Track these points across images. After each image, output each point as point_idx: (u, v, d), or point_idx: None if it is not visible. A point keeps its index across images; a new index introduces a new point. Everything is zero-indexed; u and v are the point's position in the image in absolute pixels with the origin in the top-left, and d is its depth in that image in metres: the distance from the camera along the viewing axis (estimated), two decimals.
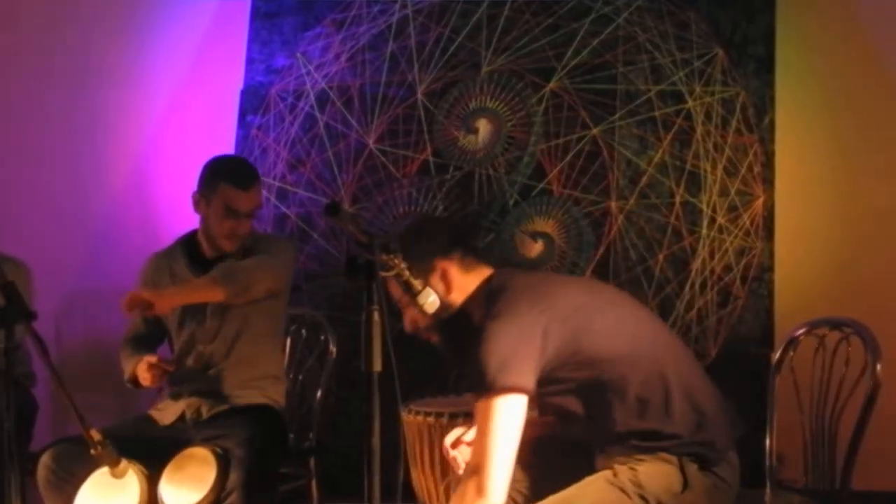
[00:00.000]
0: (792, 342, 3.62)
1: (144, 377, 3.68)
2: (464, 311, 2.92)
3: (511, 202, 4.99)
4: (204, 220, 3.84)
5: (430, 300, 2.66)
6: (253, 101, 5.47)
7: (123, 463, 3.14)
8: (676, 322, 4.66)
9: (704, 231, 4.71)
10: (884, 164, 4.78)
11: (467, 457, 2.91)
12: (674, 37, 4.89)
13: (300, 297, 4.99)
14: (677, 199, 4.77)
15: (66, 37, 5.51)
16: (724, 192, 4.72)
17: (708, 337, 4.64)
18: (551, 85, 4.99)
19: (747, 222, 4.67)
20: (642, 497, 2.76)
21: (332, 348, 4.23)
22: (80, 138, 5.51)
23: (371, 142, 5.22)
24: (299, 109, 5.37)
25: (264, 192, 5.21)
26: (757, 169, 4.71)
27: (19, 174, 5.36)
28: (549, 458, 3.02)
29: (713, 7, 4.88)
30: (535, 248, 4.92)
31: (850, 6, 4.90)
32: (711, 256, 4.69)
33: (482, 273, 2.95)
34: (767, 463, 3.56)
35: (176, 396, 3.83)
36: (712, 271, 4.67)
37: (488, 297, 2.86)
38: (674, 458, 2.79)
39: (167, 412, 3.79)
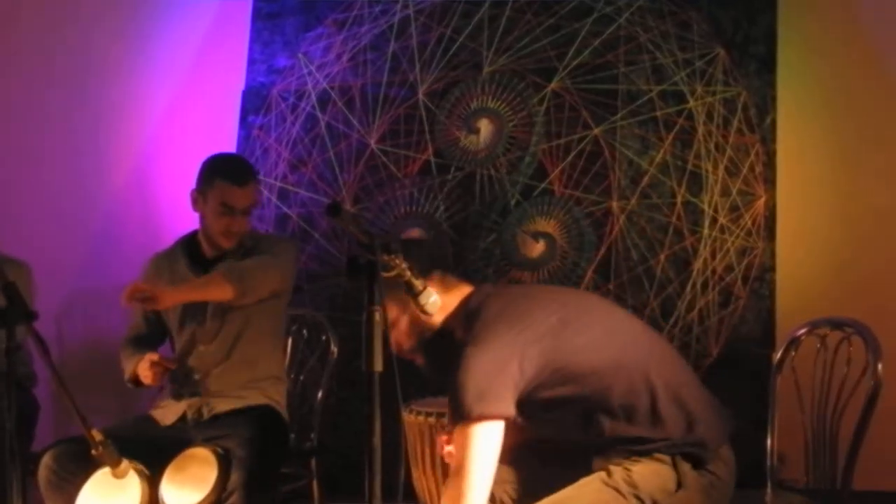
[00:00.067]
0: (793, 342, 3.62)
1: (146, 375, 3.68)
2: (446, 330, 2.97)
3: (512, 202, 4.99)
4: (202, 219, 3.84)
5: (432, 300, 2.67)
6: (254, 102, 5.48)
7: (124, 463, 3.14)
8: (678, 322, 4.66)
9: (706, 231, 4.71)
10: (884, 163, 4.79)
11: None
12: (675, 37, 4.89)
13: (301, 298, 4.99)
14: (679, 199, 4.77)
15: (67, 37, 5.51)
16: (725, 192, 4.72)
17: (709, 337, 4.64)
18: (553, 85, 4.99)
19: (749, 222, 4.67)
20: (637, 497, 2.78)
21: (334, 348, 4.23)
22: (82, 138, 5.51)
23: (372, 142, 5.22)
24: (301, 110, 5.38)
25: (265, 193, 5.24)
26: (758, 169, 4.71)
27: (20, 174, 5.35)
28: (543, 458, 3.04)
29: (714, 7, 4.88)
30: (537, 249, 4.92)
31: (850, 7, 4.90)
32: (713, 256, 4.69)
33: (462, 291, 3.00)
34: (768, 463, 3.56)
35: (177, 397, 3.83)
36: (714, 271, 4.68)
37: (467, 317, 2.91)
38: (667, 458, 2.81)
39: (168, 412, 3.78)
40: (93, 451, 3.06)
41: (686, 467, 2.82)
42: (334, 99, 5.33)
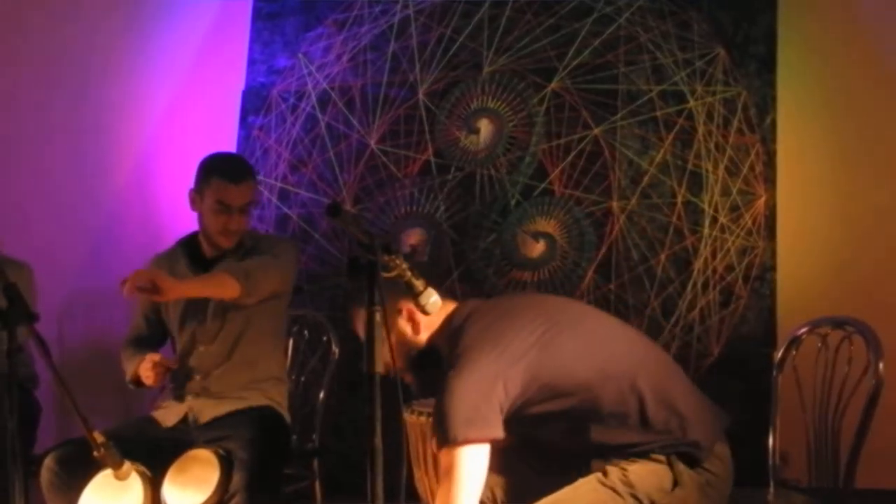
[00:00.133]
0: (794, 341, 3.62)
1: (147, 376, 3.67)
2: (432, 348, 3.02)
3: (513, 202, 4.99)
4: (200, 218, 3.84)
5: (432, 300, 2.67)
6: (254, 102, 5.48)
7: (126, 465, 3.13)
8: (679, 321, 4.66)
9: (706, 231, 4.71)
10: (885, 162, 4.79)
11: None
12: (675, 37, 4.89)
13: (302, 298, 4.99)
14: (679, 199, 4.77)
15: (67, 38, 5.51)
16: (725, 192, 4.72)
17: (710, 336, 4.64)
18: (553, 85, 5.00)
19: (749, 222, 4.67)
20: (634, 497, 2.80)
21: (335, 349, 4.23)
22: (82, 139, 5.51)
23: (373, 142, 5.22)
24: (301, 110, 5.38)
25: (266, 193, 5.24)
26: (758, 168, 4.71)
27: (21, 175, 5.35)
28: (535, 462, 3.05)
29: (714, 7, 4.88)
30: (537, 249, 4.92)
31: (850, 7, 4.90)
32: (713, 256, 4.69)
33: (445, 309, 3.02)
34: (770, 462, 3.57)
35: (178, 398, 3.82)
36: (714, 271, 4.68)
37: (451, 336, 2.96)
38: (663, 458, 2.84)
39: (169, 414, 3.78)
40: (95, 453, 3.05)
41: (682, 466, 2.85)
42: (334, 99, 5.33)
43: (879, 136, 4.81)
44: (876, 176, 4.79)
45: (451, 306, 3.05)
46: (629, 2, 4.98)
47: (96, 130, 5.54)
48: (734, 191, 4.72)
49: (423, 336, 3.04)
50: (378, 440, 2.33)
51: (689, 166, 4.78)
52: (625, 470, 2.84)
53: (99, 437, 3.05)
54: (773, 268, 4.64)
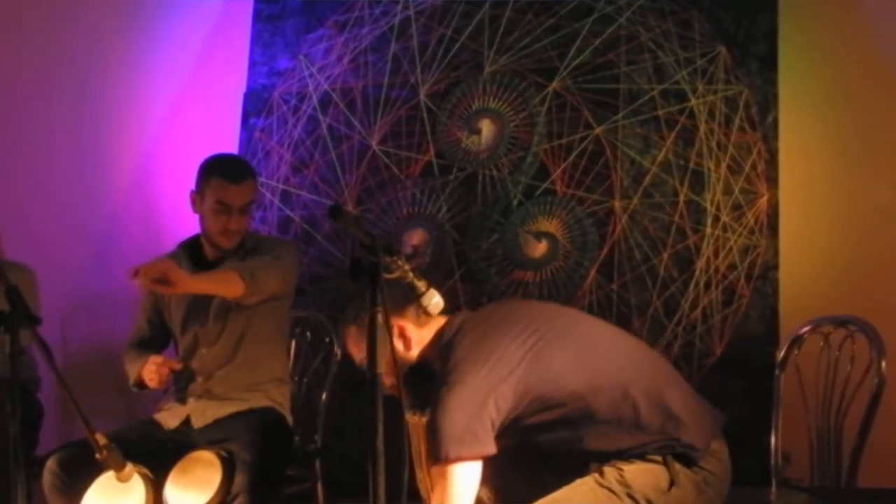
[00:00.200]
0: (797, 340, 3.62)
1: (151, 378, 3.67)
2: (424, 363, 3.06)
3: (515, 202, 4.99)
4: (201, 220, 3.84)
5: (434, 301, 2.68)
6: (256, 104, 5.48)
7: (129, 467, 3.13)
8: (681, 321, 4.66)
9: (709, 230, 4.71)
10: (887, 161, 4.78)
11: None
12: (676, 36, 4.89)
13: (305, 300, 4.99)
14: (681, 198, 4.77)
15: (68, 39, 5.51)
16: (727, 191, 4.72)
17: (713, 335, 4.63)
18: (554, 85, 4.99)
19: (751, 220, 4.67)
20: (631, 496, 2.82)
21: (337, 350, 4.23)
22: (83, 141, 5.51)
23: (374, 143, 5.22)
24: (302, 112, 5.38)
25: (268, 195, 5.24)
26: (760, 167, 4.71)
27: (23, 177, 5.35)
28: (531, 463, 3.06)
29: (715, 6, 4.88)
30: (539, 249, 4.92)
31: (851, 5, 4.89)
32: (716, 255, 4.68)
33: (436, 323, 3.08)
34: (773, 461, 3.57)
35: (180, 400, 3.83)
36: (717, 270, 4.67)
37: (442, 351, 2.99)
38: (659, 458, 2.84)
39: (171, 416, 3.78)
40: (97, 455, 3.06)
41: (678, 466, 2.87)
42: (336, 101, 5.33)
43: (881, 133, 4.81)
44: (878, 174, 4.78)
45: (441, 320, 3.08)
46: (630, 1, 4.97)
47: (96, 131, 5.54)
48: (736, 189, 4.71)
49: (415, 352, 3.08)
50: (380, 441, 2.33)
51: (691, 165, 4.78)
52: (621, 470, 2.86)
53: (101, 440, 3.06)
54: (775, 266, 4.63)
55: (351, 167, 5.24)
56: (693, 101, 4.81)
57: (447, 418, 2.79)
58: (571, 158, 4.92)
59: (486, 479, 2.89)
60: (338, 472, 4.35)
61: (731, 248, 4.67)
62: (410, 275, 2.61)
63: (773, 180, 4.69)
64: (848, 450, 3.28)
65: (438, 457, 2.80)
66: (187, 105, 5.63)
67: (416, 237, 5.10)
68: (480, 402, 2.80)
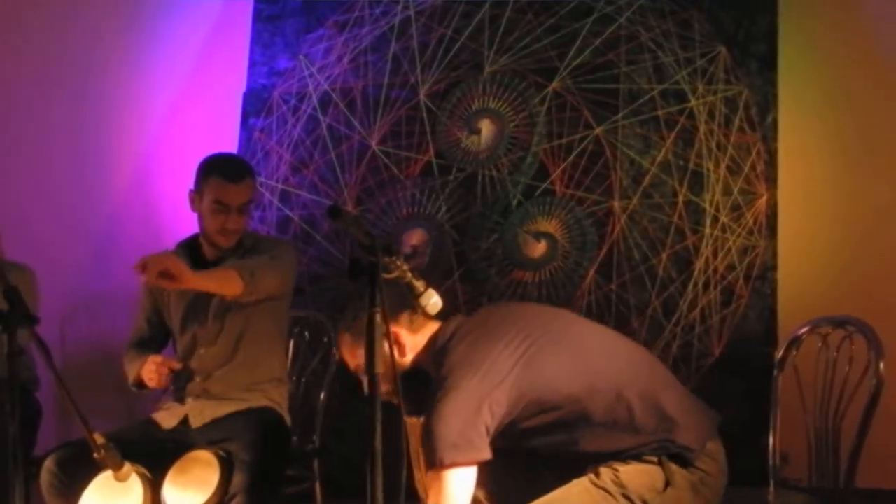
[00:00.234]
0: (795, 341, 3.63)
1: (151, 378, 3.67)
2: (418, 369, 3.07)
3: (514, 202, 4.99)
4: (200, 219, 3.84)
5: (433, 301, 2.68)
6: (255, 104, 5.48)
7: (127, 466, 3.13)
8: (680, 321, 4.66)
9: (708, 230, 4.71)
10: (887, 161, 4.78)
11: None
12: (676, 36, 4.89)
13: (304, 299, 4.99)
14: (680, 199, 4.77)
15: (68, 39, 5.52)
16: (727, 191, 4.72)
17: (711, 336, 4.63)
18: (554, 85, 4.99)
19: (750, 221, 4.67)
20: (626, 497, 2.83)
21: (335, 350, 4.23)
22: (83, 141, 5.52)
23: (374, 143, 5.22)
24: (302, 111, 5.38)
25: (267, 195, 5.24)
26: (760, 167, 4.71)
27: (22, 177, 5.36)
28: (527, 465, 3.07)
29: (715, 6, 4.88)
30: (539, 249, 4.92)
31: (851, 5, 4.89)
32: (715, 255, 4.68)
33: (430, 329, 3.09)
34: (771, 462, 3.57)
35: (178, 400, 3.83)
36: (715, 270, 4.67)
37: (436, 357, 3.00)
38: (655, 458, 2.85)
39: (170, 416, 3.78)
40: (95, 455, 3.06)
41: (674, 467, 2.88)
42: (335, 101, 5.33)
43: (881, 134, 4.81)
44: (877, 174, 4.78)
45: (434, 326, 3.08)
46: (630, 1, 4.97)
47: (96, 131, 5.54)
48: (735, 190, 4.71)
49: (409, 357, 3.08)
50: (378, 441, 2.33)
51: (691, 165, 4.78)
52: (617, 471, 2.86)
53: (99, 439, 3.05)
54: (774, 267, 4.63)
55: (350, 167, 5.24)
56: (693, 102, 4.82)
57: (442, 424, 2.80)
58: (571, 158, 4.92)
59: (482, 482, 2.90)
60: (336, 473, 4.35)
61: (729, 249, 4.67)
62: (409, 275, 2.61)
63: (772, 181, 4.69)
64: (846, 450, 3.28)
65: (433, 462, 2.81)
66: (187, 105, 5.63)
67: (415, 237, 5.10)
68: (475, 408, 2.81)
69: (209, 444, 3.50)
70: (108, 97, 5.57)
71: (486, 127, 5.10)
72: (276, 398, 3.86)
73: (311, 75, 5.40)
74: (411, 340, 3.07)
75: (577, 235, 4.86)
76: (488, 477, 2.94)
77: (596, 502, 2.83)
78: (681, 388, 3.06)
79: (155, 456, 3.44)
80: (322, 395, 4.21)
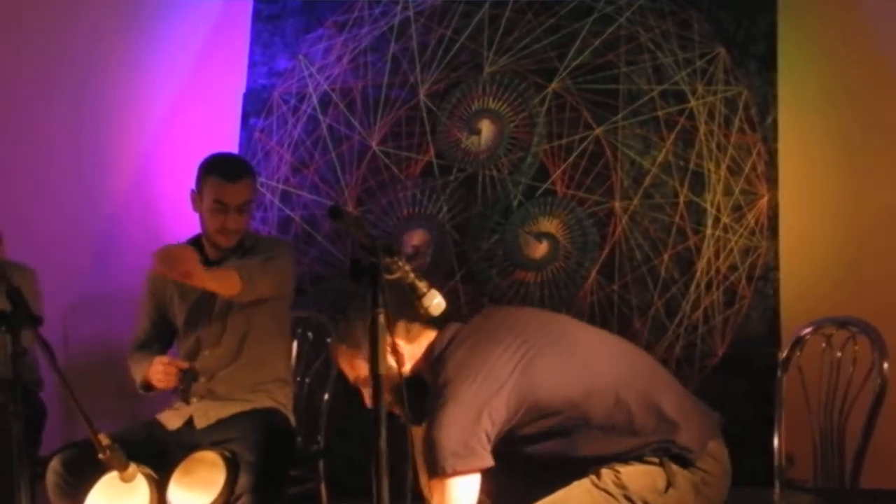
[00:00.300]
0: (798, 341, 3.63)
1: (160, 379, 3.67)
2: (416, 378, 3.04)
3: (515, 203, 4.99)
4: (201, 219, 3.84)
5: (436, 302, 2.67)
6: (255, 104, 5.47)
7: (132, 467, 3.13)
8: (682, 322, 4.66)
9: (709, 230, 4.71)
10: (888, 161, 4.78)
11: None
12: (676, 36, 4.89)
13: (306, 300, 4.99)
14: (681, 199, 4.77)
15: (67, 40, 5.51)
16: (728, 192, 4.72)
17: (714, 336, 4.64)
18: (553, 85, 4.99)
19: (752, 221, 4.67)
20: (627, 498, 2.84)
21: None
22: (83, 142, 5.51)
23: (374, 144, 5.22)
24: (302, 112, 5.37)
25: (268, 195, 5.24)
26: (760, 168, 4.71)
27: (23, 178, 5.36)
28: (526, 467, 3.07)
29: (715, 6, 4.88)
30: (540, 249, 4.92)
31: (851, 4, 4.90)
32: (717, 256, 4.68)
33: (427, 337, 3.08)
34: (776, 462, 3.57)
35: (184, 400, 3.82)
36: (718, 271, 4.67)
37: (433, 365, 2.99)
38: (656, 459, 2.85)
39: (174, 416, 3.78)
40: (100, 456, 3.06)
41: (675, 467, 2.88)
42: (335, 101, 5.33)
43: (882, 134, 4.81)
44: (879, 174, 4.79)
45: (431, 334, 3.07)
46: (629, 1, 4.97)
47: (96, 132, 5.54)
48: (736, 190, 4.71)
49: (407, 367, 3.06)
50: (383, 442, 2.33)
51: (691, 166, 4.78)
52: (618, 472, 2.87)
53: (104, 440, 3.06)
54: (776, 267, 4.63)
55: (351, 167, 5.24)
56: (693, 102, 4.82)
57: (442, 433, 2.79)
58: (571, 159, 4.92)
59: (482, 485, 2.89)
60: (341, 473, 4.35)
61: (731, 249, 4.67)
62: (411, 275, 2.60)
63: (773, 181, 4.70)
64: (851, 451, 3.29)
65: (436, 471, 2.80)
66: (187, 105, 5.63)
67: (416, 238, 5.10)
68: (474, 417, 2.80)
69: (214, 445, 3.50)
70: (108, 97, 5.57)
71: (486, 127, 5.10)
72: (281, 399, 3.86)
73: (310, 75, 5.40)
74: (409, 350, 3.05)
75: (579, 236, 4.86)
76: (489, 479, 2.94)
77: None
78: (680, 390, 3.06)
79: (160, 457, 3.45)
80: (326, 396, 4.21)
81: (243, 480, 3.36)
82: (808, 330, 3.61)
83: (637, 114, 4.88)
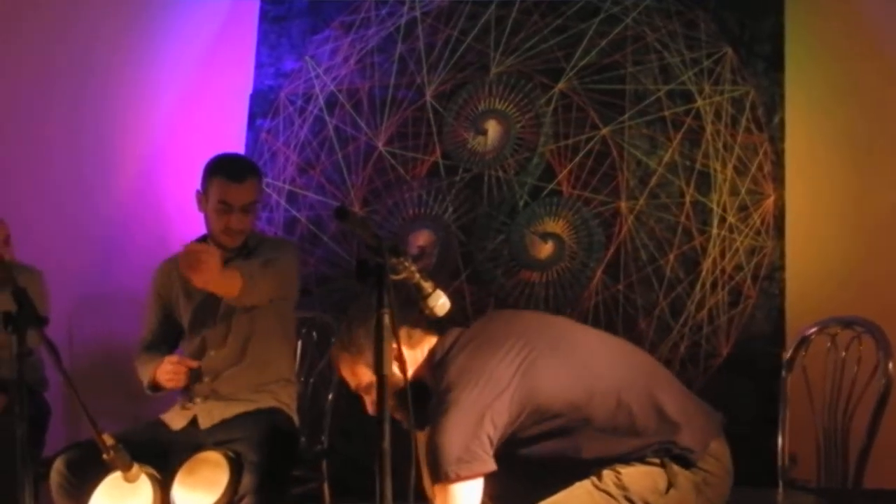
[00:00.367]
0: (803, 341, 3.62)
1: (170, 378, 3.68)
2: (418, 384, 3.03)
3: (521, 203, 4.99)
4: (206, 219, 3.85)
5: (441, 302, 2.67)
6: (262, 105, 5.48)
7: (136, 467, 3.14)
8: (687, 322, 4.66)
9: (715, 230, 4.71)
10: (893, 161, 4.77)
11: None
12: (682, 36, 4.89)
13: (311, 300, 4.99)
14: (687, 199, 4.76)
15: (70, 41, 5.52)
16: (734, 192, 4.72)
17: (719, 336, 4.63)
18: (560, 85, 4.99)
19: (758, 221, 4.66)
20: (628, 499, 2.84)
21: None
22: (88, 142, 5.52)
23: (380, 144, 5.22)
24: (308, 112, 5.38)
25: (274, 196, 5.24)
26: (767, 168, 4.70)
27: (27, 179, 5.36)
28: (527, 469, 3.06)
29: (721, 6, 4.87)
30: (546, 249, 4.92)
31: (857, 3, 4.89)
32: (722, 256, 4.68)
33: (428, 342, 3.08)
34: (779, 462, 3.56)
35: (188, 400, 3.83)
36: (723, 271, 4.67)
37: (435, 370, 2.99)
38: (657, 460, 2.85)
39: (178, 416, 3.78)
40: (104, 456, 3.06)
41: (676, 468, 2.88)
42: (342, 102, 5.33)
43: (888, 134, 4.80)
44: (885, 174, 4.78)
45: (432, 340, 3.07)
46: (636, 2, 4.97)
47: (101, 134, 5.55)
48: (742, 190, 4.71)
49: (409, 373, 3.05)
50: (387, 442, 2.33)
51: (698, 166, 4.78)
52: (619, 473, 2.87)
53: (108, 440, 3.06)
54: (781, 267, 4.62)
55: (357, 168, 5.24)
56: (699, 102, 4.81)
57: (445, 439, 2.79)
58: (577, 159, 4.92)
59: (484, 487, 2.89)
60: (344, 473, 4.35)
61: (737, 249, 4.67)
62: (417, 276, 2.60)
63: (779, 181, 4.69)
64: (855, 451, 3.28)
65: (439, 477, 2.80)
66: (193, 106, 5.63)
67: (422, 238, 5.10)
68: (476, 421, 2.80)
69: (218, 445, 3.50)
70: (112, 97, 5.57)
71: (493, 128, 5.10)
72: (285, 399, 3.87)
73: (317, 76, 5.40)
74: (410, 355, 3.04)
75: (584, 236, 4.86)
76: (491, 481, 2.94)
77: None
78: (682, 390, 3.06)
79: (163, 457, 3.45)
80: (330, 396, 4.21)
81: (247, 480, 3.36)
82: (813, 330, 3.60)
83: (643, 114, 4.88)
